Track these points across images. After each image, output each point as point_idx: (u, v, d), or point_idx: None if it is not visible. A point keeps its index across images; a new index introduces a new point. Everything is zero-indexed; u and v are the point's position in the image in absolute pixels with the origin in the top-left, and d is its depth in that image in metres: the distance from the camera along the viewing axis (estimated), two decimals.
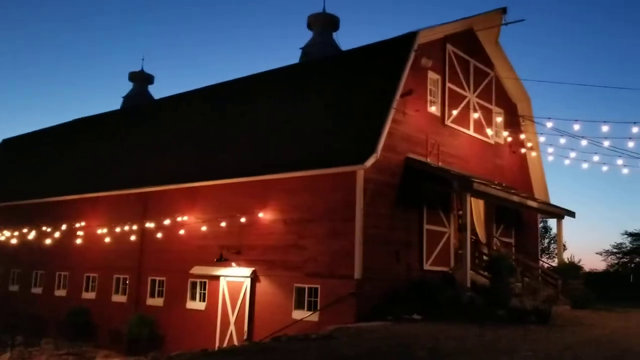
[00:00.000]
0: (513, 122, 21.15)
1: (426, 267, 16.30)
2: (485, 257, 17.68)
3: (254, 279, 16.36)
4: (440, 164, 17.32)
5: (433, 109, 17.47)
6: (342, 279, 14.37)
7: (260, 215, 16.36)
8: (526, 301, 14.30)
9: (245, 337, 15.98)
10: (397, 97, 15.31)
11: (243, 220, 16.54)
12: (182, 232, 17.95)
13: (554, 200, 22.42)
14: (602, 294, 20.56)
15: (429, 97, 17.32)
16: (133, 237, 19.07)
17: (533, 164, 22.34)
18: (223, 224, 16.89)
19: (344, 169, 14.69)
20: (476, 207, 19.61)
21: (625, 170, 18.63)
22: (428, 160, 16.91)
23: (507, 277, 15.29)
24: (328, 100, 17.14)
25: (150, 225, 18.65)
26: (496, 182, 19.39)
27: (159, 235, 18.47)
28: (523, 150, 21.60)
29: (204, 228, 17.38)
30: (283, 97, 18.83)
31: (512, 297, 14.55)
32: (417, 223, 16.31)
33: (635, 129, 16.46)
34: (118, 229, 18.98)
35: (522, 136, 21.14)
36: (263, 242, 16.30)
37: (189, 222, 18.05)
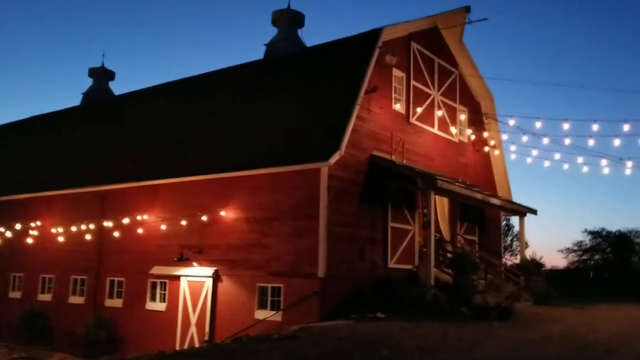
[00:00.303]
0: (477, 121, 21.30)
1: (391, 265, 16.22)
2: (449, 255, 17.72)
3: (216, 278, 16.01)
4: (405, 161, 17.28)
5: (398, 107, 17.42)
6: (306, 277, 14.17)
7: (223, 213, 16.03)
8: (489, 298, 14.36)
9: (206, 338, 15.62)
10: (362, 94, 15.17)
11: (204, 218, 16.17)
12: (140, 231, 17.46)
13: (516, 198, 22.70)
14: (563, 291, 20.94)
15: (393, 95, 17.25)
16: (91, 237, 18.48)
17: (496, 162, 22.54)
18: (184, 223, 16.49)
19: (307, 166, 14.48)
20: (441, 205, 19.67)
21: (585, 169, 18.97)
22: (393, 157, 16.84)
23: (471, 274, 15.34)
24: (292, 97, 16.91)
25: (108, 224, 18.09)
26: (460, 180, 19.47)
27: (118, 234, 17.95)
28: (486, 149, 21.77)
29: (163, 227, 16.94)
30: (247, 94, 18.50)
31: (475, 295, 14.60)
32: (382, 221, 16.22)
33: (595, 127, 16.75)
34: (74, 229, 18.36)
35: (486, 134, 21.31)
36: (225, 241, 15.97)
37: (149, 221, 17.57)
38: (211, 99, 19.62)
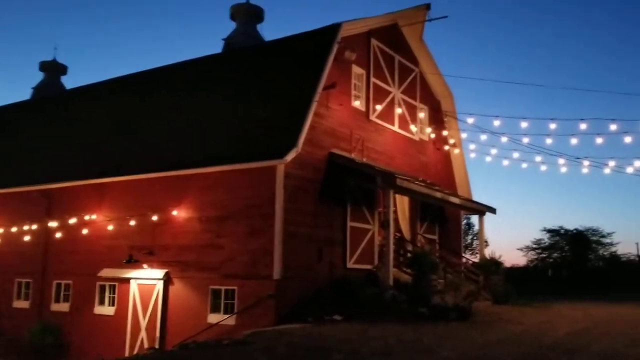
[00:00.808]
0: (437, 119, 21.13)
1: (350, 265, 15.84)
2: (409, 254, 17.45)
3: (167, 281, 15.34)
4: (364, 159, 16.93)
5: (357, 104, 17.05)
6: (260, 279, 13.65)
7: (174, 213, 15.37)
8: (448, 298, 14.10)
9: (156, 343, 14.96)
10: (320, 89, 14.74)
11: (155, 218, 15.47)
12: (85, 231, 16.64)
13: (476, 197, 22.65)
14: (523, 289, 21.00)
15: (353, 92, 16.88)
16: (36, 238, 17.55)
17: (456, 161, 22.44)
18: (132, 223, 15.76)
19: (263, 163, 13.96)
20: (401, 204, 19.42)
21: (543, 167, 18.98)
22: (352, 155, 16.46)
23: (430, 274, 15.08)
24: (249, 92, 16.35)
25: (54, 224, 17.19)
26: (420, 179, 19.25)
27: (64, 235, 17.07)
28: (446, 147, 21.63)
29: (110, 227, 16.17)
30: (202, 88, 17.88)
31: (434, 294, 14.33)
32: (340, 220, 15.82)
33: (553, 126, 16.73)
34: (15, 229, 17.39)
35: (445, 132, 21.15)
36: (177, 241, 15.32)
37: (97, 221, 16.77)
38: (165, 93, 18.90)
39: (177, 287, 15.24)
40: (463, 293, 15.38)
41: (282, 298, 13.48)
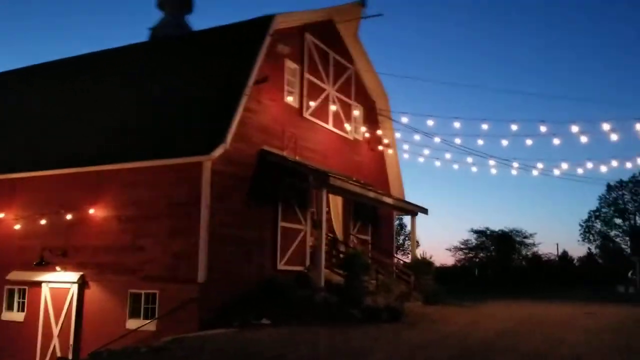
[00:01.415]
0: (371, 119, 20.89)
1: (280, 266, 15.26)
2: (341, 255, 17.09)
3: (83, 284, 14.24)
4: (297, 157, 16.41)
5: (290, 100, 16.50)
6: (184, 283, 12.85)
7: (91, 211, 14.29)
8: (379, 299, 13.84)
9: (70, 351, 13.86)
10: (251, 83, 14.10)
11: (69, 217, 14.34)
12: None
13: (408, 198, 22.61)
14: (452, 288, 21.16)
15: (286, 87, 16.31)
16: None
17: (390, 161, 22.31)
18: (43, 222, 14.54)
19: (188, 159, 13.17)
20: (334, 204, 19.05)
21: (474, 169, 19.13)
22: (285, 153, 15.90)
23: (362, 275, 14.74)
24: (176, 84, 15.46)
25: None
26: (354, 179, 18.95)
27: None
28: (380, 148, 21.46)
29: (17, 227, 14.88)
30: (126, 79, 16.81)
31: (366, 296, 14.01)
32: (271, 220, 15.22)
33: (485, 126, 16.80)
34: None
35: (379, 132, 20.95)
36: (94, 242, 14.25)
37: (6, 219, 15.40)
38: (84, 83, 17.68)
39: (93, 291, 14.17)
40: (395, 294, 15.17)
41: (206, 302, 12.74)
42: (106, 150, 14.80)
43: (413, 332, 11.85)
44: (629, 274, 37.23)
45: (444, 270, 52.30)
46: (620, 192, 57.04)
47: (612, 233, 57.46)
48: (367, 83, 20.97)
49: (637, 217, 56.00)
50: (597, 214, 57.99)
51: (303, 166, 15.37)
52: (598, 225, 58.17)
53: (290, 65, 16.50)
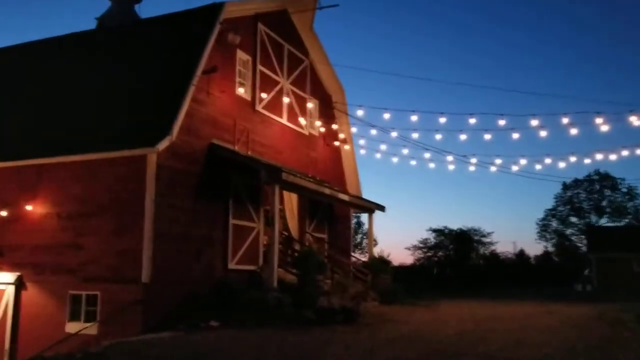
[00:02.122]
0: (327, 114, 20.42)
1: (231, 266, 14.64)
2: (296, 254, 16.55)
3: (19, 286, 13.32)
4: (250, 152, 15.81)
5: (242, 92, 15.88)
6: (127, 283, 12.10)
7: (29, 208, 13.38)
8: (334, 300, 13.38)
9: (6, 356, 12.92)
10: (199, 73, 13.44)
11: (4, 214, 13.39)
12: None
13: (366, 195, 22.27)
14: (411, 287, 20.93)
15: (237, 79, 15.69)
16: None
17: (346, 158, 21.92)
18: None
19: (132, 152, 12.42)
20: (289, 202, 18.53)
21: (431, 165, 18.91)
22: (236, 148, 15.28)
23: (316, 274, 14.26)
24: (121, 74, 14.66)
25: None
26: (310, 175, 18.48)
27: None
28: (337, 143, 21.04)
29: None
30: (69, 67, 15.88)
31: (321, 296, 13.52)
32: (222, 217, 14.59)
33: (443, 120, 16.51)
34: None
35: (335, 126, 20.48)
36: (31, 241, 13.35)
37: None
38: (25, 71, 16.66)
39: (30, 293, 13.27)
40: (350, 294, 14.74)
41: (151, 304, 12.03)
42: (45, 143, 13.90)
43: (369, 333, 11.41)
44: (586, 272, 37.85)
45: (403, 269, 52.38)
46: (575, 191, 58.14)
47: (568, 231, 58.56)
48: (322, 76, 20.51)
49: (592, 216, 57.24)
50: (554, 212, 58.99)
51: (255, 161, 14.77)
52: (554, 223, 59.21)
53: (241, 56, 15.89)
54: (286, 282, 14.93)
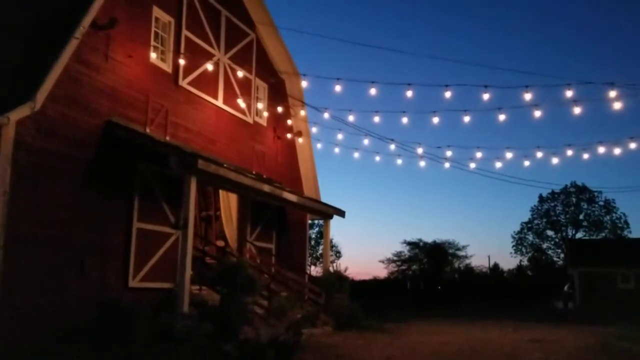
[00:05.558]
0: (279, 100, 17.05)
1: (134, 283, 11.16)
2: (221, 268, 13.08)
3: None
4: (169, 138, 12.41)
5: (158, 60, 12.49)
6: None
7: None
8: (263, 330, 9.97)
9: None
10: (87, 24, 10.03)
11: None
12: None
13: (327, 199, 18.97)
14: (382, 302, 17.80)
15: (153, 43, 12.29)
16: None
17: (302, 153, 18.62)
18: None
19: None
20: (226, 203, 15.18)
21: (399, 161, 15.75)
22: (148, 130, 11.86)
23: (243, 295, 10.85)
24: None
25: None
26: (254, 173, 15.14)
27: None
28: (289, 136, 17.73)
29: None
30: None
31: (245, 326, 10.09)
32: (123, 219, 11.11)
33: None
34: None
35: (290, 120, 17.19)
36: None
37: None
38: None
39: None
40: (289, 320, 11.35)
41: (1, 340, 8.49)
42: None
43: None
44: (566, 288, 35.00)
45: (376, 282, 49.43)
46: (552, 204, 55.82)
47: (544, 245, 56.15)
48: (273, 56, 17.23)
49: (569, 229, 54.86)
50: (530, 225, 56.55)
51: (163, 145, 11.30)
52: (530, 237, 56.75)
53: (160, 15, 12.52)
54: (210, 305, 11.53)
